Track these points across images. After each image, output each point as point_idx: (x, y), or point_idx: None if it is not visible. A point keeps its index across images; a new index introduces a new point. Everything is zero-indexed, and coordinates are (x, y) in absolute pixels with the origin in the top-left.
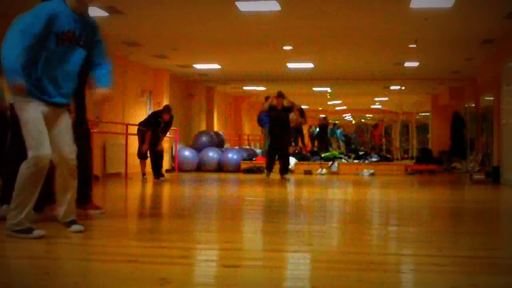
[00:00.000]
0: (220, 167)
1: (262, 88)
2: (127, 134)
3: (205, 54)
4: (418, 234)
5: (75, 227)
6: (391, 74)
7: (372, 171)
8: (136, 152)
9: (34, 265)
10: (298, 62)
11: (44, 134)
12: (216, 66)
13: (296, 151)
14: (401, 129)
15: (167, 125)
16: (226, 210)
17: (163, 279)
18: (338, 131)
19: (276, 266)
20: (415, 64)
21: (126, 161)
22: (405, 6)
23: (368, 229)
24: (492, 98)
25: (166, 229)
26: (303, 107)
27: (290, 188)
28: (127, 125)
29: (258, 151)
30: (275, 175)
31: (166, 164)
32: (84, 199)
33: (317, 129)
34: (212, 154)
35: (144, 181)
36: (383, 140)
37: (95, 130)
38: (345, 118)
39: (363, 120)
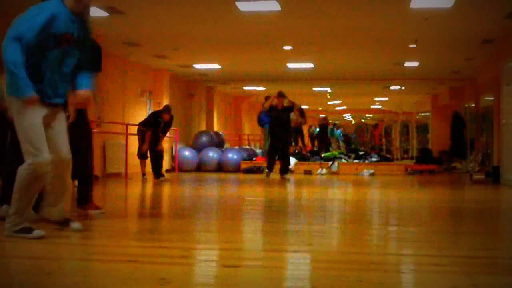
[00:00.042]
0: (220, 167)
1: (262, 88)
2: (127, 134)
3: (205, 54)
4: (418, 234)
5: (75, 225)
6: (391, 74)
7: (372, 171)
8: (136, 152)
9: (34, 265)
10: (298, 62)
11: (44, 140)
12: (216, 66)
13: (296, 151)
14: (401, 129)
15: (167, 125)
16: (226, 210)
17: (163, 279)
18: (338, 131)
19: (276, 266)
20: (415, 64)
21: (126, 161)
22: (405, 6)
23: (368, 229)
24: (492, 98)
25: (166, 229)
26: (303, 107)
27: (290, 188)
28: (127, 125)
29: (258, 151)
30: (275, 175)
31: (166, 164)
32: (84, 199)
33: (317, 129)
34: (212, 154)
35: (144, 181)
36: (383, 140)
37: (95, 130)
38: (345, 118)
39: (363, 120)
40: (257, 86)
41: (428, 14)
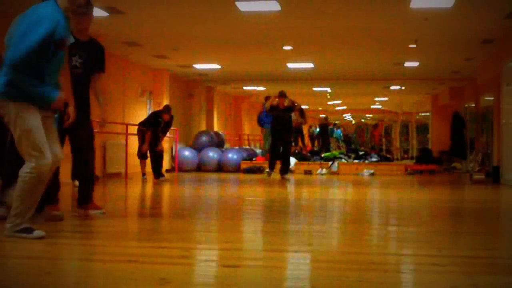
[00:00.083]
0: (220, 167)
1: (262, 88)
2: (127, 134)
3: (205, 54)
4: (418, 234)
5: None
6: (391, 74)
7: (372, 171)
8: (136, 152)
9: (34, 265)
10: (298, 62)
11: (45, 143)
12: (216, 66)
13: (296, 151)
14: (401, 129)
15: (167, 125)
16: (226, 210)
17: (163, 279)
18: (338, 131)
19: (276, 266)
20: (415, 64)
21: (126, 161)
22: (405, 6)
23: (368, 229)
24: (492, 98)
25: (166, 229)
26: (303, 107)
27: (290, 188)
28: (127, 125)
29: (258, 151)
30: (275, 175)
31: (166, 164)
32: (85, 199)
33: (317, 129)
34: (212, 154)
35: (144, 181)
36: (383, 140)
37: (96, 130)
38: (345, 118)
39: (363, 120)
40: (257, 86)
41: (428, 14)
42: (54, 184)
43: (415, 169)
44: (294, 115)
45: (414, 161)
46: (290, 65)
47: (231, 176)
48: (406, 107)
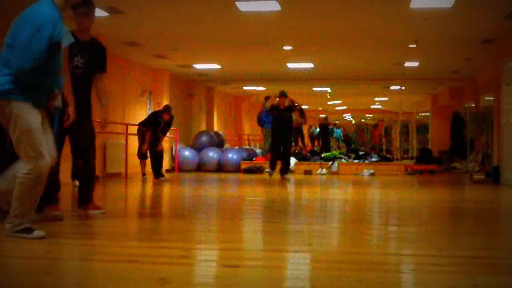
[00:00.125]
0: (220, 167)
1: (262, 88)
2: (127, 134)
3: (205, 54)
4: (418, 234)
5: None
6: (391, 74)
7: (372, 171)
8: (136, 152)
9: (34, 265)
10: (298, 62)
11: (44, 144)
12: (216, 66)
13: (296, 151)
14: (401, 129)
15: (167, 125)
16: (226, 210)
17: (163, 279)
18: (338, 130)
19: (276, 266)
20: (415, 64)
21: (126, 161)
22: (405, 6)
23: (368, 229)
24: (492, 98)
25: (166, 229)
26: (303, 107)
27: (290, 188)
28: (127, 125)
29: (258, 151)
30: (276, 175)
31: (166, 164)
32: (85, 199)
33: (317, 129)
34: (212, 154)
35: (144, 181)
36: (383, 140)
37: (97, 130)
38: (345, 118)
39: (363, 120)
40: (257, 86)
41: (428, 14)
42: (54, 184)
43: (415, 169)
44: (294, 115)
45: (414, 161)
46: (290, 65)
47: (231, 176)
48: (406, 107)
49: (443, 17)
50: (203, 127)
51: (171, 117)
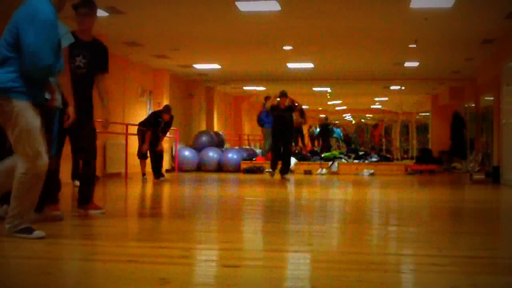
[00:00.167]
0: (220, 167)
1: (262, 88)
2: (127, 134)
3: (205, 54)
4: (418, 234)
5: None
6: (391, 74)
7: (372, 171)
8: (136, 152)
9: (34, 265)
10: (298, 62)
11: (43, 143)
12: (216, 66)
13: (296, 151)
14: (401, 129)
15: (167, 125)
16: (226, 210)
17: (163, 279)
18: (338, 130)
19: (276, 266)
20: (415, 64)
21: (126, 161)
22: (405, 6)
23: (368, 229)
24: (492, 98)
25: (166, 229)
26: (303, 107)
27: (290, 188)
28: (127, 125)
29: (258, 151)
30: (276, 175)
31: (166, 164)
32: (85, 199)
33: (318, 129)
34: (212, 154)
35: (144, 181)
36: (383, 140)
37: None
38: (345, 118)
39: (363, 120)
40: (257, 86)
41: (428, 14)
42: (54, 184)
43: (415, 169)
44: (294, 115)
45: (414, 161)
46: (290, 65)
47: (231, 176)
48: (406, 107)
49: (443, 17)
50: (203, 127)
51: (171, 117)
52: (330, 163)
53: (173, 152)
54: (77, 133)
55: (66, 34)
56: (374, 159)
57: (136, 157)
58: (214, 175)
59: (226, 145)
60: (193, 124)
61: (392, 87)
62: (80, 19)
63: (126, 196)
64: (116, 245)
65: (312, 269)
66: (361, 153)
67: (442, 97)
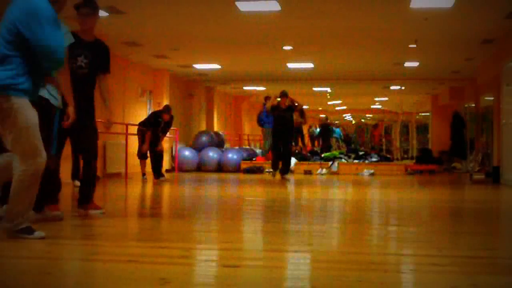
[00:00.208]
0: (220, 167)
1: (262, 88)
2: (127, 134)
3: (205, 54)
4: (418, 234)
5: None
6: (391, 74)
7: (372, 171)
8: (136, 152)
9: (34, 265)
10: (298, 62)
11: (41, 140)
12: (216, 66)
13: (296, 151)
14: (401, 129)
15: (167, 125)
16: (226, 210)
17: (163, 279)
18: (338, 130)
19: (276, 266)
20: (415, 64)
21: (126, 161)
22: (405, 6)
23: (368, 229)
24: (492, 98)
25: (166, 229)
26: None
27: (290, 188)
28: (127, 125)
29: (258, 151)
30: (276, 175)
31: (166, 164)
32: (86, 199)
33: (318, 129)
34: (212, 154)
35: (144, 181)
36: (383, 140)
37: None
38: (345, 118)
39: (363, 120)
40: (257, 86)
41: (428, 14)
42: (55, 184)
43: (415, 169)
44: (294, 115)
45: (414, 161)
46: (290, 65)
47: (231, 176)
48: (406, 107)
49: (443, 17)
50: (203, 127)
51: (171, 117)
52: (330, 163)
53: (173, 152)
54: (78, 133)
55: (66, 34)
56: (374, 159)
57: (136, 157)
58: (214, 175)
59: (226, 145)
60: (193, 124)
61: (392, 87)
62: (82, 19)
63: (126, 196)
64: (116, 245)
65: (312, 269)
66: (361, 153)
67: (442, 97)
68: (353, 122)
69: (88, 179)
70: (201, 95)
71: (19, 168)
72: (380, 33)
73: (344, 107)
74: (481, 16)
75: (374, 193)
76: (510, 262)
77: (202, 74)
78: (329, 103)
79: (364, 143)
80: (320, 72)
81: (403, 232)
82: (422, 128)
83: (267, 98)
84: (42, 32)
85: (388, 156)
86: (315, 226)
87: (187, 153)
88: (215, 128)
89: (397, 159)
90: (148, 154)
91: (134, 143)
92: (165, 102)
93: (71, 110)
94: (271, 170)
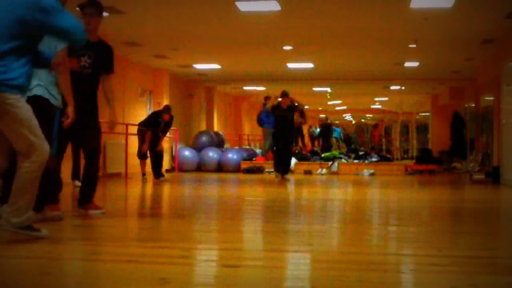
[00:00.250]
0: (220, 167)
1: (262, 88)
2: (127, 134)
3: (205, 54)
4: (418, 234)
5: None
6: (391, 74)
7: (372, 171)
8: (136, 152)
9: (34, 265)
10: (298, 62)
11: (41, 131)
12: (216, 66)
13: (296, 151)
14: (401, 129)
15: (167, 125)
16: (226, 210)
17: (163, 279)
18: (338, 129)
19: (276, 266)
20: (415, 64)
21: (126, 161)
22: (405, 6)
23: (368, 229)
24: (492, 98)
25: (166, 229)
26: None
27: (290, 188)
28: (127, 125)
29: (258, 151)
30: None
31: (166, 164)
32: (86, 199)
33: (318, 129)
34: (212, 154)
35: (144, 181)
36: (383, 140)
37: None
38: (345, 118)
39: (363, 120)
40: (257, 86)
41: (428, 14)
42: (55, 184)
43: (415, 169)
44: (294, 115)
45: (414, 161)
46: (290, 65)
47: (231, 176)
48: (406, 107)
49: (443, 17)
50: (203, 127)
51: (171, 117)
52: (330, 163)
53: (173, 152)
54: (81, 133)
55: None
56: (374, 159)
57: (136, 157)
58: (214, 175)
59: (226, 145)
60: (193, 124)
61: (392, 87)
62: (86, 19)
63: (126, 196)
64: (116, 245)
65: (312, 269)
66: (361, 153)
67: (442, 97)
68: (353, 122)
69: (90, 179)
70: (201, 95)
71: (25, 164)
72: (380, 33)
73: (344, 107)
74: (481, 16)
75: (374, 193)
76: (510, 262)
77: (202, 74)
78: (329, 103)
79: (364, 143)
80: (320, 72)
81: (403, 232)
82: (422, 128)
83: (267, 98)
84: (59, 20)
85: (388, 156)
86: (315, 226)
87: (187, 153)
88: (215, 128)
89: (397, 159)
90: (148, 154)
91: (134, 143)
92: (165, 102)
93: (70, 110)
94: (274, 171)
